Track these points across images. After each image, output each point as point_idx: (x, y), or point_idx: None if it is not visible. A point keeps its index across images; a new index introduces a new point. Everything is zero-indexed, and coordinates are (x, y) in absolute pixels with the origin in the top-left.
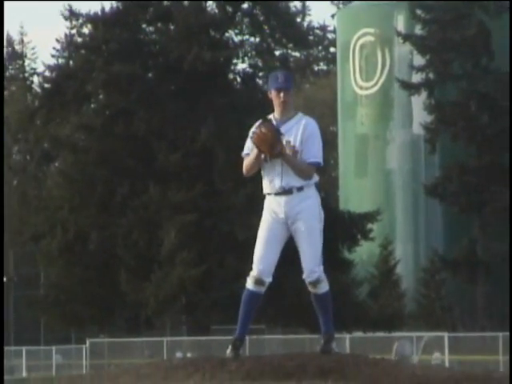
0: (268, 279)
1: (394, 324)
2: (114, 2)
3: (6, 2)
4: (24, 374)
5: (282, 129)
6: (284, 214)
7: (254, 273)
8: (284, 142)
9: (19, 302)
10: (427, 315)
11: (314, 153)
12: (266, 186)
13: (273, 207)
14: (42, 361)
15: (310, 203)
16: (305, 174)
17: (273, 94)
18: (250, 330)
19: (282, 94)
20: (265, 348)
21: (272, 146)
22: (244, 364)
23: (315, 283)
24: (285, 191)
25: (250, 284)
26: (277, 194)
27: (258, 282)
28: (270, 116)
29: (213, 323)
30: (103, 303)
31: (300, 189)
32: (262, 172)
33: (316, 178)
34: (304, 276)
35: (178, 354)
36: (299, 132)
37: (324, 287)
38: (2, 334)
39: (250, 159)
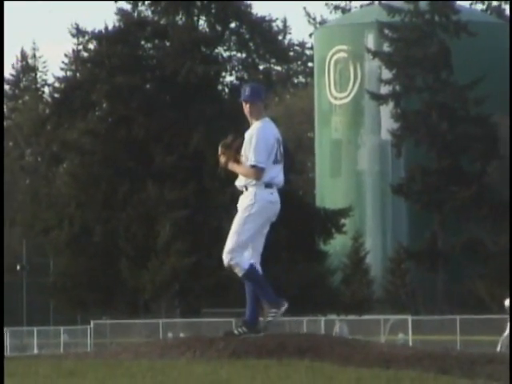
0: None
1: (364, 308)
2: (116, 21)
3: (20, 21)
4: (35, 351)
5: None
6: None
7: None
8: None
9: (31, 288)
10: (393, 300)
11: (250, 156)
12: None
13: None
14: (52, 340)
15: (246, 198)
16: (249, 177)
17: (243, 105)
18: (236, 313)
19: (247, 106)
20: None
21: (220, 159)
22: (230, 343)
23: (228, 268)
24: (239, 189)
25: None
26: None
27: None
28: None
29: (203, 307)
30: (106, 289)
31: (245, 187)
32: None
33: (267, 177)
34: None
35: (170, 335)
36: (246, 138)
37: (239, 272)
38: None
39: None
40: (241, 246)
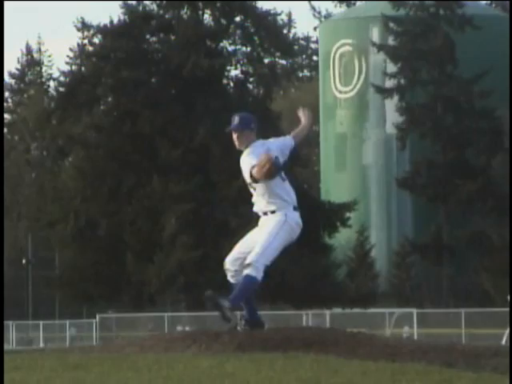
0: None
1: (369, 301)
2: (121, 14)
3: (25, 15)
4: (41, 344)
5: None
6: None
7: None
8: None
9: (36, 282)
10: (398, 293)
11: (252, 162)
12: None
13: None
14: (57, 333)
15: (275, 216)
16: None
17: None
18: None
19: (234, 135)
20: None
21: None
22: (236, 337)
23: (240, 267)
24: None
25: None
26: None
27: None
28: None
29: None
30: (111, 282)
31: (271, 212)
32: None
33: (294, 201)
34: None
35: (179, 328)
36: (241, 163)
37: (251, 272)
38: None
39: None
40: (267, 257)
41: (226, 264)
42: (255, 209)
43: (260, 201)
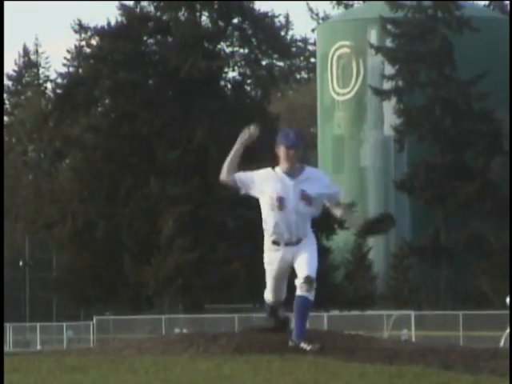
0: (282, 299)
1: (367, 304)
2: (118, 16)
3: (22, 16)
4: (38, 347)
5: (295, 181)
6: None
7: (271, 301)
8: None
9: (34, 284)
10: (396, 296)
11: (334, 187)
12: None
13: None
14: (55, 335)
15: (312, 237)
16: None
17: (281, 150)
18: (239, 309)
19: (291, 152)
20: (252, 325)
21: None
22: (234, 339)
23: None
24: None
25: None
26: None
27: (278, 304)
28: (275, 169)
29: (206, 302)
30: (109, 284)
31: (306, 235)
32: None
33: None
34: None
35: (176, 330)
36: (314, 185)
37: (313, 293)
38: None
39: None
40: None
41: (277, 303)
42: (287, 236)
43: (300, 226)
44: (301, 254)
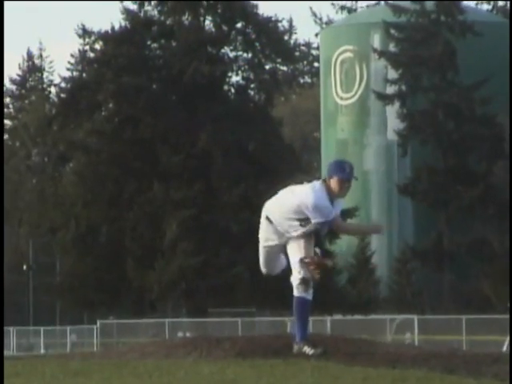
0: (278, 270)
1: (370, 308)
2: (122, 21)
3: (27, 20)
4: (42, 350)
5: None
6: None
7: (266, 273)
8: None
9: (37, 288)
10: (399, 300)
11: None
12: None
13: None
14: (58, 339)
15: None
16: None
17: (335, 180)
18: (242, 313)
19: (346, 185)
20: (255, 329)
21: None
22: (237, 343)
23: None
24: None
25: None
26: None
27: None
28: (322, 187)
29: (209, 306)
30: (112, 289)
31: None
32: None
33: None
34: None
35: (180, 334)
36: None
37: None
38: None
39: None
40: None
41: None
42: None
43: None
44: (293, 245)
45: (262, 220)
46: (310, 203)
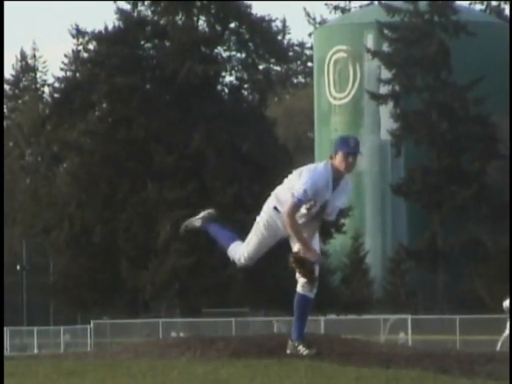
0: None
1: (364, 308)
2: (115, 21)
3: (20, 21)
4: (35, 351)
5: (333, 193)
6: None
7: (243, 262)
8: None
9: (31, 288)
10: (393, 300)
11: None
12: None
13: None
14: (52, 339)
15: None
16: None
17: (340, 155)
18: (236, 313)
19: (350, 159)
20: (249, 329)
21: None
22: (231, 343)
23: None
24: None
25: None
26: None
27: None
28: (326, 166)
29: (203, 306)
30: (106, 289)
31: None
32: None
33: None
34: None
35: (173, 334)
36: (343, 193)
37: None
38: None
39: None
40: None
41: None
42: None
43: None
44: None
45: (268, 210)
46: (304, 171)
